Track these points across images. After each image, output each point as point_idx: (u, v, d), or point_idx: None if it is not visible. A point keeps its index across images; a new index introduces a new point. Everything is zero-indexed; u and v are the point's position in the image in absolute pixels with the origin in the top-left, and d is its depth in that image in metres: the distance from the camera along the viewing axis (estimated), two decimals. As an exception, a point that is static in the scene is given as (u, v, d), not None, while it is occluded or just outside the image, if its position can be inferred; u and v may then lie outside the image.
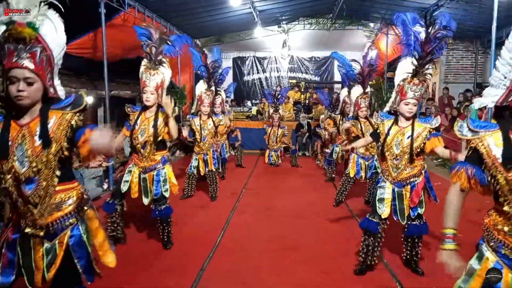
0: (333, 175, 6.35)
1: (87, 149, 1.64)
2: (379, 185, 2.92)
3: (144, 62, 3.19)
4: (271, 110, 7.89)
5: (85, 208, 1.79)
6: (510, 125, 1.41)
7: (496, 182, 1.40)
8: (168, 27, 8.94)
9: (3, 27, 1.51)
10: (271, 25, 11.52)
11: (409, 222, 2.87)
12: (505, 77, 1.45)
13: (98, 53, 6.12)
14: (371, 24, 11.19)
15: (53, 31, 1.62)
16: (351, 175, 4.61)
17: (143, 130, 3.20)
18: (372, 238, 2.90)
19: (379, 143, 2.90)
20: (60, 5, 1.68)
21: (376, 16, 10.25)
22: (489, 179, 1.44)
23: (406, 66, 2.77)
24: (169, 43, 3.29)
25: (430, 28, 2.59)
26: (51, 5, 1.62)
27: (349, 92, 5.66)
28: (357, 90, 4.78)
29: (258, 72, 13.94)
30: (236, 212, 4.66)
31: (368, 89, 4.69)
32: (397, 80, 2.82)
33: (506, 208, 1.39)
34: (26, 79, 1.53)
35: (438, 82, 10.92)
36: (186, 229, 3.96)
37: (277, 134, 7.68)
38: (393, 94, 2.92)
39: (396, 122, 2.81)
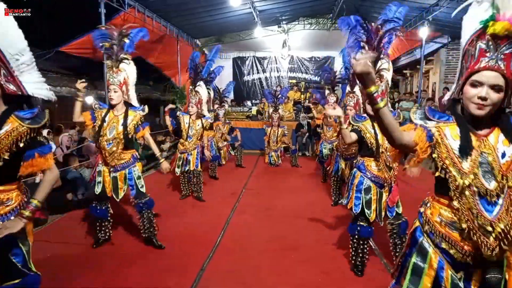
0: (326, 177, 6.37)
1: (28, 171, 1.67)
2: (364, 186, 2.86)
3: (107, 62, 3.19)
4: (271, 110, 7.89)
5: (23, 210, 1.72)
6: (464, 119, 1.41)
7: (448, 174, 1.38)
8: (168, 27, 8.95)
9: None
10: (271, 25, 11.52)
11: (395, 222, 2.90)
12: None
13: (98, 53, 6.13)
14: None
15: None
16: (333, 173, 4.72)
17: (112, 127, 3.21)
18: (364, 243, 2.93)
19: (371, 143, 2.85)
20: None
21: (376, 16, 10.23)
22: (439, 170, 1.42)
23: None
24: (127, 41, 3.22)
25: (368, 26, 2.70)
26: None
27: (331, 89, 5.71)
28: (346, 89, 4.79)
29: (258, 72, 13.94)
30: (236, 212, 4.66)
31: (357, 89, 4.67)
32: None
33: (455, 203, 1.38)
34: None
35: (438, 82, 10.92)
36: (186, 229, 3.96)
37: (277, 134, 7.67)
38: None
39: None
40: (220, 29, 11.12)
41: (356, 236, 2.92)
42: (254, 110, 11.35)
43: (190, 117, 4.91)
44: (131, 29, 3.31)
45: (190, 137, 4.89)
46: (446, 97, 1.55)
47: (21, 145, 1.63)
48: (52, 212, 4.47)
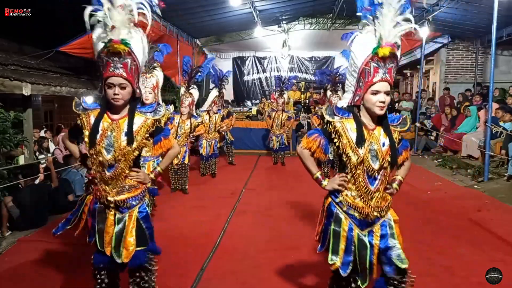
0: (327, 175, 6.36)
1: (159, 152, 2.22)
2: None
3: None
4: (276, 94, 7.80)
5: (150, 173, 2.29)
6: (359, 116, 1.89)
7: (348, 158, 1.87)
8: (168, 27, 8.95)
9: (102, 44, 1.90)
10: (271, 25, 11.52)
11: None
12: (351, 85, 1.94)
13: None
14: (371, 24, 11.17)
15: (137, 44, 1.95)
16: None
17: None
18: None
19: None
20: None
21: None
22: (340, 154, 1.91)
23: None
24: (158, 50, 3.93)
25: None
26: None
27: (333, 91, 5.77)
28: None
29: (258, 72, 13.95)
30: (236, 212, 4.66)
31: None
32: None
33: (349, 176, 1.90)
34: (121, 85, 1.89)
35: (438, 82, 10.92)
36: (186, 229, 3.96)
37: (281, 118, 7.60)
38: None
39: None
40: (220, 29, 11.12)
41: None
42: (254, 110, 11.34)
43: (180, 117, 5.22)
44: (158, 44, 4.13)
45: (179, 135, 5.20)
46: (343, 104, 2.03)
47: (147, 135, 2.06)
48: (52, 212, 4.47)
